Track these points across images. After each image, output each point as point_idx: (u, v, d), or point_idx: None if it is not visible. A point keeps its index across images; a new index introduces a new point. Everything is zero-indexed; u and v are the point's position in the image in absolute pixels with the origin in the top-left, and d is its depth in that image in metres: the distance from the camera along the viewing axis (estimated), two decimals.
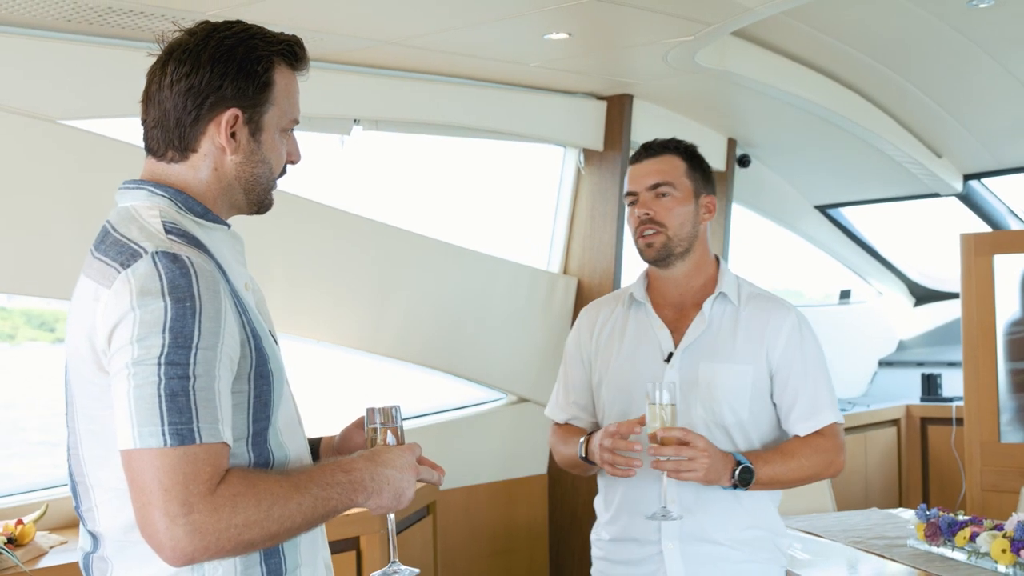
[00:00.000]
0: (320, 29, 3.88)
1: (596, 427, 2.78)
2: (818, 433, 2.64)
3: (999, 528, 3.47)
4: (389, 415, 1.97)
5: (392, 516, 1.96)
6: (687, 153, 2.76)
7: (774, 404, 2.68)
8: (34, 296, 3.90)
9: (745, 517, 2.65)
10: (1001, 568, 3.30)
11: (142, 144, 1.86)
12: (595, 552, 2.83)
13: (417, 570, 1.97)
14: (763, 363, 2.65)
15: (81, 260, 1.78)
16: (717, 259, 2.79)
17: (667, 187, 2.68)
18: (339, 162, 4.69)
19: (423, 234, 4.95)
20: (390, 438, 1.95)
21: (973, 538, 3.46)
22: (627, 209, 2.75)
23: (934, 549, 3.59)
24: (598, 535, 2.82)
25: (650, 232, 2.68)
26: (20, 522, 3.33)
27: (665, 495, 2.53)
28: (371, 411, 1.97)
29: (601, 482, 2.83)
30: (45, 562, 3.28)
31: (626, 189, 2.75)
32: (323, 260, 4.54)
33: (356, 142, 4.61)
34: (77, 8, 3.42)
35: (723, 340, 2.66)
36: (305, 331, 4.47)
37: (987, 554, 3.37)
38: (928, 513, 3.69)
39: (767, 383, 2.66)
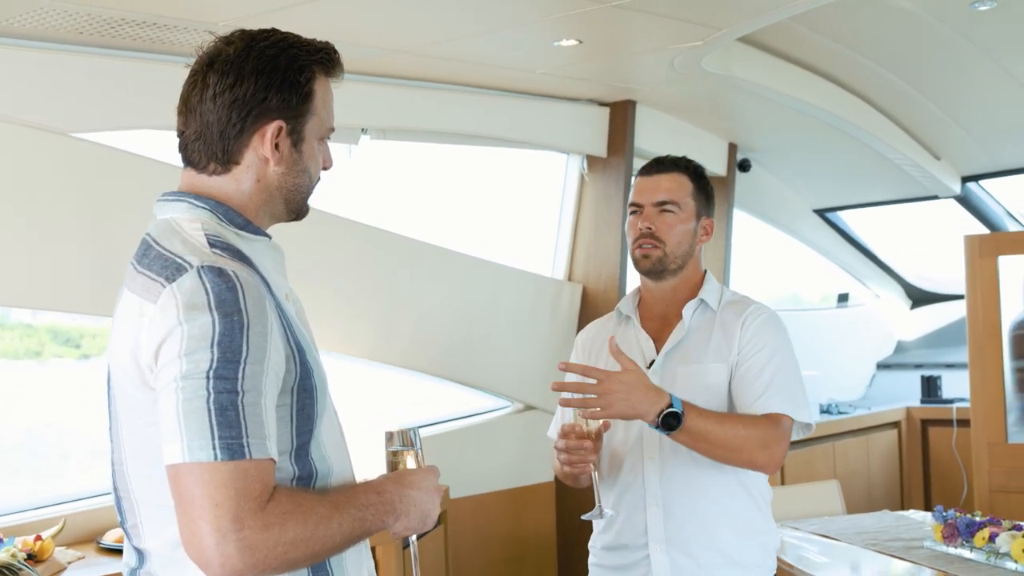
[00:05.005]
0: (328, 39, 3.86)
1: None
2: (765, 415, 2.63)
3: (1018, 528, 3.48)
4: (408, 437, 1.96)
5: (414, 538, 1.96)
6: (695, 173, 2.84)
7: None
8: (48, 310, 3.86)
9: (734, 523, 2.68)
10: (1022, 568, 3.31)
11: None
12: (590, 559, 2.88)
13: None
14: (734, 356, 2.69)
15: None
16: (705, 273, 2.86)
17: (672, 205, 2.76)
18: (347, 172, 4.68)
19: (429, 242, 4.95)
20: (411, 461, 1.95)
21: (992, 539, 3.47)
22: (629, 217, 2.83)
23: (952, 550, 3.59)
24: (593, 543, 2.88)
25: (648, 246, 2.76)
26: (39, 538, 3.31)
27: (598, 495, 2.60)
28: (390, 434, 1.97)
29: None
30: None
31: (631, 199, 2.83)
32: (331, 270, 4.51)
33: (364, 151, 4.60)
34: (89, 20, 3.41)
35: (699, 342, 2.73)
36: (316, 343, 4.44)
37: (1007, 554, 3.38)
38: (945, 514, 3.69)
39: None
